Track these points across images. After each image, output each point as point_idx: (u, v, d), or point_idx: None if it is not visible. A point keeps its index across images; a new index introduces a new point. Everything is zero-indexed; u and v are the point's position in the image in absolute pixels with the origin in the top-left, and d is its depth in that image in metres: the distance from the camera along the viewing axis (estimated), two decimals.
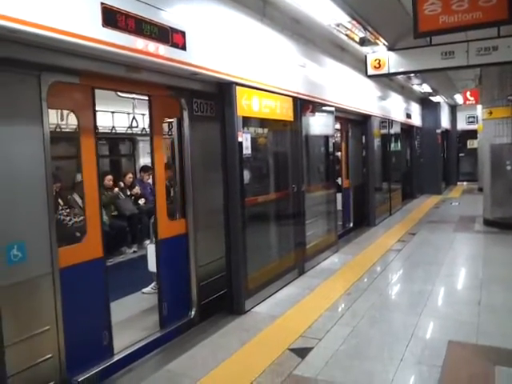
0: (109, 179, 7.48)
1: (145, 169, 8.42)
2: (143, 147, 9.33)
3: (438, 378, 3.42)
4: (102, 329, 3.66)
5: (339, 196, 9.10)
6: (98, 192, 3.67)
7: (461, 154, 20.56)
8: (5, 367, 2.79)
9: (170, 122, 4.64)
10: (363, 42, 7.79)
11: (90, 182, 3.60)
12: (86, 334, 3.50)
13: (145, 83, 4.04)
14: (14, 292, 2.90)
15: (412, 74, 10.99)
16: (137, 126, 8.39)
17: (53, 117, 5.71)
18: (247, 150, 5.10)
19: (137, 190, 8.14)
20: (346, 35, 7.30)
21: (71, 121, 6.88)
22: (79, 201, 5.20)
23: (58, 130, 6.28)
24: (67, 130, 6.49)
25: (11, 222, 2.89)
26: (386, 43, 7.88)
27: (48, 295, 3.15)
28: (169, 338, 4.25)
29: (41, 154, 3.09)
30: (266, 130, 6.02)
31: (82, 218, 4.78)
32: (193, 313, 4.60)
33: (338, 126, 9.12)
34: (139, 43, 3.45)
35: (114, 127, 8.08)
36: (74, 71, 3.36)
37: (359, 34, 7.43)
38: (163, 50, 3.69)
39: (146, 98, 4.22)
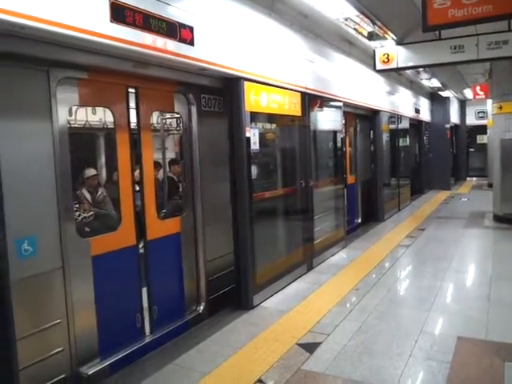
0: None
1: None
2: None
3: (447, 374, 3.41)
4: (135, 312, 3.88)
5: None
6: (131, 185, 3.83)
7: (470, 150, 20.38)
8: (17, 360, 2.82)
9: (179, 117, 4.63)
10: (372, 36, 7.73)
11: (124, 175, 3.79)
12: (120, 316, 3.72)
13: (151, 78, 4.04)
14: (25, 286, 2.93)
15: (421, 69, 10.89)
16: None
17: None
18: (255, 145, 5.09)
19: None
20: (355, 29, 7.25)
21: (80, 117, 6.94)
22: (88, 196, 5.21)
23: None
24: (76, 126, 6.54)
25: (22, 217, 2.91)
26: (395, 37, 7.82)
27: (59, 289, 3.18)
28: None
29: (50, 149, 3.11)
30: (273, 126, 6.01)
31: (91, 213, 4.82)
32: (201, 308, 4.62)
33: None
34: (147, 38, 3.45)
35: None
36: (82, 67, 3.37)
37: (368, 28, 7.37)
38: (171, 45, 3.69)
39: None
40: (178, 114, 4.63)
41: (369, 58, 8.41)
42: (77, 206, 5.25)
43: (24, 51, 2.92)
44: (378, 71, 8.33)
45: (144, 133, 4.02)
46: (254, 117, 5.12)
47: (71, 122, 6.36)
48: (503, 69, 9.59)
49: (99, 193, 5.30)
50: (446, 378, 3.36)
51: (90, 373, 3.36)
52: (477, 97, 15.36)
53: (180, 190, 5.11)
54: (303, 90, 6.15)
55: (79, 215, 5.01)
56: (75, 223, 3.50)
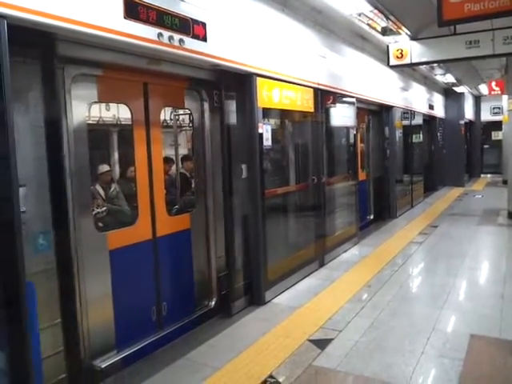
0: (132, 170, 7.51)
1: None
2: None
3: (460, 372, 3.39)
4: (151, 305, 3.95)
5: None
6: (148, 181, 3.90)
7: (485, 146, 20.13)
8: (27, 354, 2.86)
9: (191, 114, 4.65)
10: (385, 31, 7.66)
11: (141, 172, 3.87)
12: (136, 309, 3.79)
13: (164, 74, 4.05)
14: (39, 280, 2.97)
15: (435, 64, 10.78)
16: None
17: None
18: (267, 141, 5.09)
19: None
20: (368, 25, 7.20)
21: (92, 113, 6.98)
22: (102, 192, 5.26)
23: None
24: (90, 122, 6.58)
25: (37, 213, 2.95)
26: (409, 32, 7.74)
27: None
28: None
29: (65, 144, 3.15)
30: (286, 121, 6.00)
31: (104, 208, 4.86)
32: (213, 303, 4.64)
33: None
34: (161, 35, 3.46)
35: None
36: (97, 63, 3.40)
37: (381, 23, 7.31)
38: (184, 41, 3.70)
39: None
40: (190, 110, 4.65)
41: (382, 54, 8.34)
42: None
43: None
44: (392, 67, 8.25)
45: (154, 129, 4.04)
46: (267, 113, 5.11)
47: (86, 119, 6.44)
48: None
49: (112, 188, 5.34)
50: (459, 376, 3.34)
51: (103, 366, 3.40)
52: (492, 92, 15.14)
53: (192, 186, 5.13)
54: (316, 85, 6.12)
55: (92, 211, 5.06)
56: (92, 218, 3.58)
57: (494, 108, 18.96)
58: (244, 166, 4.88)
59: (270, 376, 3.43)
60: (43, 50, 2.98)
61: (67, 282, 3.16)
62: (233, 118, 4.80)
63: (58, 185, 3.11)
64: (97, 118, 7.15)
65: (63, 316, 3.12)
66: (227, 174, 4.66)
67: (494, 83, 14.70)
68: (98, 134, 7.33)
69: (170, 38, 3.54)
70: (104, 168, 5.44)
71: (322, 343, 3.94)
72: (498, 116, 18.21)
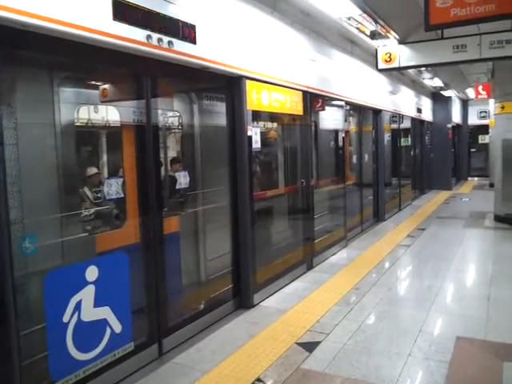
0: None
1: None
2: None
3: (446, 374, 3.42)
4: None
5: None
6: (136, 184, 3.79)
7: (472, 150, 20.35)
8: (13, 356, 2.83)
9: (180, 116, 4.64)
10: (374, 35, 7.72)
11: (130, 176, 3.77)
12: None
13: None
14: (24, 284, 2.94)
15: (423, 68, 10.88)
16: None
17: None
18: (256, 144, 5.10)
19: None
20: (357, 28, 7.25)
21: (81, 115, 6.93)
22: (90, 195, 5.22)
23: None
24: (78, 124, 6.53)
25: (24, 215, 2.92)
26: (397, 36, 7.82)
27: None
28: None
29: (52, 147, 3.13)
30: (275, 124, 6.02)
31: (92, 211, 4.83)
32: (201, 306, 4.63)
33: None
34: (150, 37, 3.45)
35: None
36: (83, 68, 3.39)
37: (370, 27, 7.36)
38: (173, 43, 3.69)
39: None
40: (179, 112, 4.64)
41: (371, 57, 8.41)
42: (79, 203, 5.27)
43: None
44: (380, 70, 8.32)
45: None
46: (256, 115, 5.12)
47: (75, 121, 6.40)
48: (506, 68, 9.56)
49: (101, 191, 5.30)
50: (445, 378, 3.37)
51: None
52: (479, 96, 15.31)
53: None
54: (305, 88, 6.15)
55: (81, 213, 5.03)
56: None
57: (480, 112, 19.18)
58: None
59: (258, 379, 3.42)
60: None
61: None
62: (222, 121, 4.80)
63: None
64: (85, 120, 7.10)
65: None
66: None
67: (480, 87, 14.86)
68: (87, 135, 7.27)
69: (159, 40, 3.54)
70: (92, 170, 5.41)
71: (309, 346, 3.95)
72: (485, 120, 18.45)
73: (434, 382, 3.34)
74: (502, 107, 9.84)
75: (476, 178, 19.60)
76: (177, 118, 5.96)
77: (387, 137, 10.54)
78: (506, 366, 3.49)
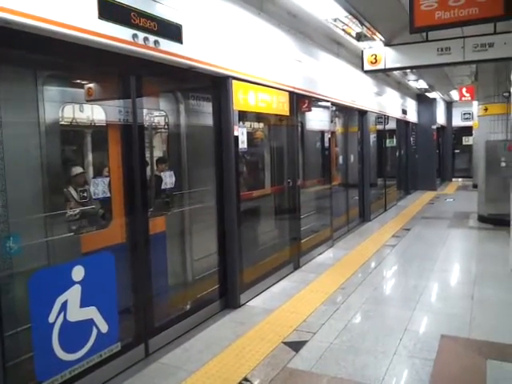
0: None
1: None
2: None
3: (430, 372, 3.46)
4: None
5: None
6: (122, 185, 3.76)
7: (456, 151, 20.61)
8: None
9: (167, 116, 4.63)
10: (360, 37, 7.80)
11: (116, 175, 3.73)
12: None
13: None
14: (8, 285, 2.90)
15: (408, 70, 11.00)
16: None
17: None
18: (243, 144, 5.10)
19: None
20: (343, 30, 7.31)
21: (66, 114, 6.87)
22: (75, 194, 5.18)
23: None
24: (63, 123, 6.47)
25: (8, 215, 2.89)
26: (383, 39, 7.89)
27: None
28: None
29: (36, 145, 3.09)
30: (261, 125, 6.03)
31: (77, 211, 4.79)
32: (188, 306, 4.62)
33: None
34: (136, 36, 3.43)
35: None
36: (68, 66, 3.36)
37: (356, 29, 7.44)
38: (159, 42, 3.68)
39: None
40: (165, 112, 4.63)
41: (357, 59, 8.47)
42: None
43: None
44: (366, 72, 8.38)
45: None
46: (243, 116, 5.13)
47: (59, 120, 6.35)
48: (489, 71, 9.73)
49: (87, 191, 5.26)
50: (430, 376, 3.40)
51: None
52: (463, 98, 15.50)
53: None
54: (291, 89, 6.17)
55: (66, 213, 4.99)
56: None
57: (464, 114, 19.44)
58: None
59: (245, 379, 3.42)
60: None
61: None
62: (209, 121, 4.80)
63: None
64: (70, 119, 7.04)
65: None
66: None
67: (464, 89, 15.05)
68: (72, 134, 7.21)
69: (145, 39, 3.52)
70: (77, 170, 5.36)
71: (296, 345, 3.96)
72: (469, 121, 18.68)
73: (419, 379, 3.37)
74: (486, 109, 9.99)
75: (460, 179, 19.85)
76: (163, 118, 5.95)
77: (373, 138, 10.64)
78: (490, 364, 3.54)
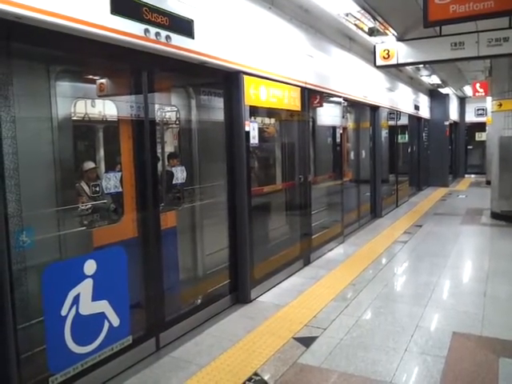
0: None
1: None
2: None
3: (442, 369, 3.44)
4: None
5: None
6: (134, 180, 3.77)
7: (469, 147, 20.43)
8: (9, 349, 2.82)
9: (178, 111, 4.64)
10: (372, 32, 7.73)
11: (127, 170, 3.75)
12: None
13: None
14: (21, 278, 2.93)
15: (421, 65, 10.89)
16: None
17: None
18: (254, 139, 5.09)
19: None
20: (355, 25, 7.25)
21: (78, 109, 6.92)
22: (87, 189, 5.22)
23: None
24: (75, 118, 6.53)
25: (22, 209, 2.92)
26: (396, 33, 7.82)
27: None
28: None
29: (49, 140, 3.12)
30: (273, 120, 6.01)
31: (89, 205, 4.83)
32: (199, 301, 4.64)
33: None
34: (148, 31, 3.44)
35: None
36: (80, 61, 3.38)
37: (368, 23, 7.37)
38: (171, 37, 3.68)
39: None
40: (177, 107, 4.63)
41: (369, 54, 8.41)
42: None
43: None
44: (378, 67, 8.32)
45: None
46: (254, 111, 5.11)
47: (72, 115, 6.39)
48: (503, 66, 9.59)
49: (99, 185, 5.30)
50: (441, 373, 3.38)
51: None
52: (476, 94, 15.33)
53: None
54: (303, 84, 6.14)
55: (77, 208, 5.03)
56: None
57: (478, 109, 19.23)
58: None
59: (255, 374, 3.43)
60: None
61: None
62: (220, 116, 4.80)
63: None
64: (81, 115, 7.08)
65: None
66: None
67: (478, 85, 14.88)
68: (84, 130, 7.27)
69: (157, 34, 3.52)
70: (89, 165, 5.40)
71: (306, 341, 3.96)
72: (482, 117, 18.49)
73: (431, 376, 3.35)
74: (500, 105, 9.86)
75: (473, 175, 19.67)
76: (174, 113, 5.97)
77: (384, 133, 10.56)
78: (502, 362, 3.51)
